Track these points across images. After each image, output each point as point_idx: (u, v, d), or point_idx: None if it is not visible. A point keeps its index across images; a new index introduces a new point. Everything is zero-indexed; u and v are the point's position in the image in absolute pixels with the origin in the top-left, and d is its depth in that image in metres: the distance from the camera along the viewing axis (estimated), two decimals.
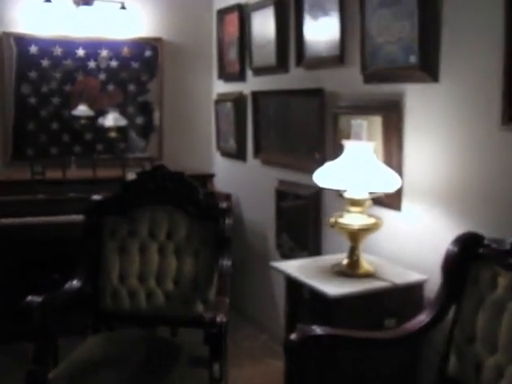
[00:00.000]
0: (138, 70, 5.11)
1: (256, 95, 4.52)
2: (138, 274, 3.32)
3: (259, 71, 4.51)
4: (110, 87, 5.04)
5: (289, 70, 4.12)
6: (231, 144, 4.93)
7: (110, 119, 4.95)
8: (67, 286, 3.10)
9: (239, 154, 4.83)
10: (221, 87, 5.19)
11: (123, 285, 3.29)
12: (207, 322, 2.64)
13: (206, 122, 5.43)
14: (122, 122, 5.04)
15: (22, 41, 4.77)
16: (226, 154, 5.15)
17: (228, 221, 3.22)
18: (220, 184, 5.08)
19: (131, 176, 4.28)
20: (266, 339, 4.50)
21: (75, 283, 3.12)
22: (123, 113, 5.12)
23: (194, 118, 5.40)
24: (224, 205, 3.27)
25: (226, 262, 3.18)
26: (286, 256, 4.23)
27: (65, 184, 4.41)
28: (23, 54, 4.77)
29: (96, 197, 3.35)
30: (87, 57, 4.96)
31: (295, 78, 4.05)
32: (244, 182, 4.83)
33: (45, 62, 4.82)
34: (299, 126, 4.02)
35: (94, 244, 3.30)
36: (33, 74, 4.80)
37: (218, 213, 3.25)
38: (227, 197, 4.56)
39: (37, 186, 4.35)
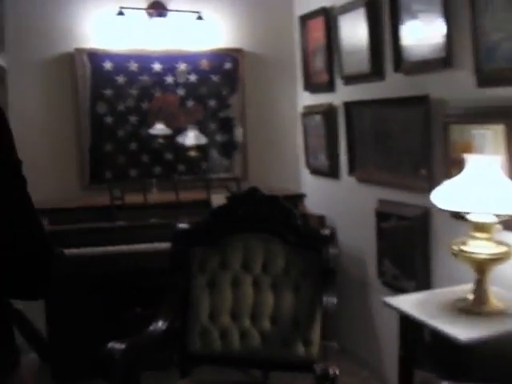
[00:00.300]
0: (218, 83, 4.79)
1: (348, 106, 4.12)
2: (230, 311, 3.00)
3: (351, 79, 4.11)
4: (190, 103, 4.73)
5: (385, 77, 3.72)
6: (322, 160, 4.53)
7: (191, 137, 4.64)
8: (152, 327, 2.77)
9: (331, 172, 4.43)
10: (307, 99, 4.81)
11: (214, 324, 2.96)
12: (319, 375, 2.26)
13: (292, 137, 5.06)
14: (203, 140, 4.74)
15: (95, 57, 4.53)
16: (316, 171, 4.76)
17: (332, 250, 2.83)
18: (311, 205, 4.68)
19: (217, 199, 3.95)
20: (366, 375, 4.09)
21: (161, 324, 2.78)
22: (203, 130, 4.80)
23: (279, 134, 5.04)
24: (327, 231, 2.89)
25: (331, 299, 2.77)
26: (390, 285, 3.83)
27: (146, 209, 4.08)
28: (97, 71, 4.53)
29: (183, 225, 3.00)
30: (164, 71, 4.67)
31: (393, 85, 3.64)
32: (337, 202, 4.43)
33: (120, 79, 4.54)
34: (401, 139, 3.60)
35: (181, 278, 2.94)
36: (108, 92, 4.53)
37: (319, 241, 2.85)
38: (321, 219, 4.17)
39: (116, 212, 4.04)
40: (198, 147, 4.78)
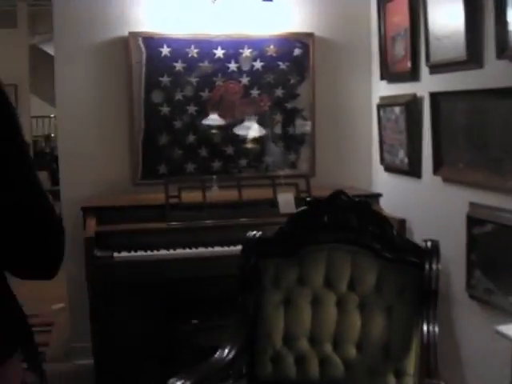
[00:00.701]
0: (286, 71, 4.34)
1: (436, 97, 3.60)
2: (308, 334, 2.56)
3: (439, 68, 3.60)
4: (254, 92, 4.26)
5: (484, 65, 3.19)
6: (400, 157, 4.03)
7: (255, 129, 4.18)
8: (218, 355, 2.31)
9: (412, 170, 3.94)
10: (384, 89, 4.32)
11: (289, 348, 2.53)
12: None
13: (365, 131, 4.58)
14: (262, 131, 4.36)
15: (151, 42, 4.11)
16: (392, 169, 4.26)
17: (435, 266, 2.31)
18: (386, 206, 4.15)
19: (284, 198, 3.50)
20: None
21: (227, 352, 2.33)
22: (268, 122, 4.37)
23: (350, 127, 4.57)
24: (429, 244, 2.36)
25: (432, 327, 2.27)
26: (479, 299, 3.37)
27: (205, 208, 3.64)
28: (154, 57, 4.11)
29: (254, 233, 2.52)
30: (227, 58, 4.23)
31: (495, 74, 3.11)
32: (418, 204, 3.93)
33: (178, 66, 4.11)
34: (502, 135, 3.07)
35: (251, 295, 2.47)
36: (165, 80, 4.10)
37: (420, 255, 2.35)
38: (401, 223, 3.66)
39: (172, 212, 3.60)
40: (258, 140, 4.32)
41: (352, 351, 2.47)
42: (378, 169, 4.55)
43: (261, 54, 4.31)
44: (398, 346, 2.41)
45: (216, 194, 3.81)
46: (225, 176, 4.06)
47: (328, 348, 2.49)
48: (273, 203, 3.84)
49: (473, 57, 3.29)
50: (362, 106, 4.59)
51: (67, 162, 4.11)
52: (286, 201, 3.88)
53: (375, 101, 4.46)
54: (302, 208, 2.51)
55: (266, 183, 3.94)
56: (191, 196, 3.75)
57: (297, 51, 4.36)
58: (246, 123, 4.35)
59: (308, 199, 2.44)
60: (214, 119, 4.24)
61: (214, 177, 3.87)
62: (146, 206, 3.72)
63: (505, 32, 3.04)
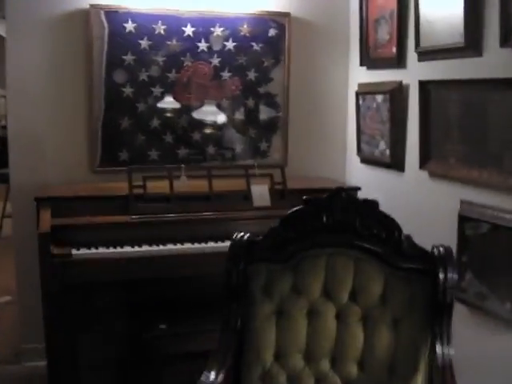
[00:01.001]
0: (260, 53, 4.02)
1: (426, 86, 3.34)
2: (303, 350, 2.25)
3: (430, 54, 3.33)
4: (225, 75, 3.90)
5: (483, 53, 2.93)
6: (381, 149, 3.77)
7: (222, 115, 3.99)
8: (204, 378, 1.95)
9: (394, 163, 3.67)
10: (364, 76, 4.04)
11: (281, 366, 2.26)
12: None
13: (340, 119, 4.31)
14: (222, 118, 4.06)
15: (115, 16, 3.73)
16: (370, 161, 3.99)
17: (451, 275, 2.02)
18: None
19: (259, 191, 3.17)
20: None
21: (214, 376, 1.97)
22: (240, 107, 4.02)
23: (326, 115, 4.30)
24: (441, 250, 2.07)
25: (446, 349, 1.99)
26: (470, 304, 3.14)
27: (172, 200, 3.26)
28: (117, 33, 3.73)
29: (241, 235, 2.18)
30: (197, 36, 3.89)
31: (497, 64, 2.86)
32: (401, 200, 3.66)
33: (144, 43, 3.73)
34: (505, 130, 2.80)
35: (239, 306, 2.14)
36: (129, 58, 3.73)
37: (432, 262, 2.06)
38: None
39: (136, 203, 3.24)
40: (227, 126, 4.06)
41: (353, 370, 2.18)
42: (354, 160, 4.27)
43: (233, 34, 3.97)
44: (405, 364, 2.13)
45: (184, 184, 3.45)
46: (194, 165, 3.69)
47: (325, 366, 2.21)
48: (246, 196, 3.51)
49: (471, 44, 3.02)
50: (339, 92, 4.30)
51: (18, 146, 3.67)
52: (261, 193, 3.56)
53: (353, 88, 4.14)
54: (298, 207, 2.16)
55: (237, 173, 3.60)
56: (157, 186, 3.39)
57: (272, 32, 4.04)
58: (209, 107, 3.97)
59: (305, 197, 2.08)
60: (168, 102, 3.87)
61: (183, 166, 3.50)
62: (107, 198, 3.34)
63: (510, 18, 2.76)
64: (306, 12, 4.14)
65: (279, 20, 4.04)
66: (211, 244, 3.23)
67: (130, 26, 3.73)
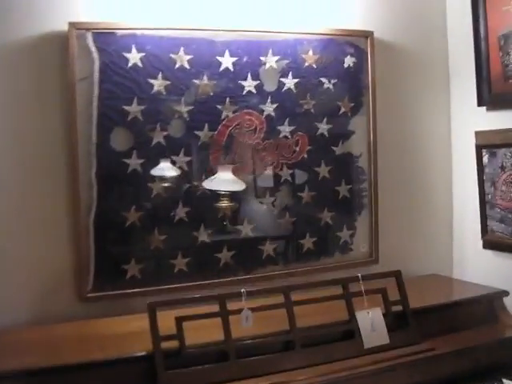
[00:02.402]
0: (334, 93, 2.51)
1: None
2: None
3: None
4: (285, 129, 2.42)
5: None
6: None
7: (279, 196, 2.47)
8: None
9: None
10: (484, 121, 2.61)
11: None
12: None
13: (445, 187, 2.76)
14: (281, 198, 2.52)
15: (110, 41, 2.22)
16: (504, 246, 2.37)
17: None
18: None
19: (368, 318, 1.83)
20: None
21: None
22: (310, 178, 2.49)
23: (427, 182, 2.71)
24: None
25: None
26: None
27: (231, 356, 1.76)
28: (114, 68, 2.23)
29: None
30: (240, 70, 2.41)
31: None
32: None
33: (158, 84, 2.26)
34: None
35: None
36: (134, 110, 2.22)
37: None
38: None
39: (168, 369, 1.66)
40: (281, 211, 2.51)
41: None
42: (469, 245, 2.73)
43: (294, 65, 2.48)
44: None
45: (248, 323, 1.76)
46: (261, 289, 2.02)
47: None
48: (349, 332, 1.88)
49: None
50: (441, 148, 2.70)
51: None
52: (373, 324, 1.97)
53: (471, 139, 2.56)
54: None
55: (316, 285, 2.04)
56: (199, 329, 1.79)
57: (348, 61, 2.53)
58: (262, 181, 2.38)
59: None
60: (161, 168, 2.26)
61: (244, 291, 1.82)
62: (112, 362, 1.66)
63: None
64: (392, 31, 2.58)
65: (358, 43, 2.51)
66: None
67: (134, 56, 2.21)
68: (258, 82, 2.40)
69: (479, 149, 2.63)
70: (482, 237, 2.67)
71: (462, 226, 2.82)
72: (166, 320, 1.77)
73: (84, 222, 2.18)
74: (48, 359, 1.72)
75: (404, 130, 2.71)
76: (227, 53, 2.35)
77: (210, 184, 2.33)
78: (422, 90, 2.75)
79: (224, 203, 2.34)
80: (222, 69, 2.34)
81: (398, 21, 2.69)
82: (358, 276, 2.08)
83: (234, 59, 2.36)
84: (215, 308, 1.85)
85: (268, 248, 2.46)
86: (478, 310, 2.27)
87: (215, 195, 2.33)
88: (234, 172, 2.37)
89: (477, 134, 2.65)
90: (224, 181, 2.34)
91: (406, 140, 2.72)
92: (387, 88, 2.63)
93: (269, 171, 2.45)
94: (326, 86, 2.51)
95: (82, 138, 2.17)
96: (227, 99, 2.34)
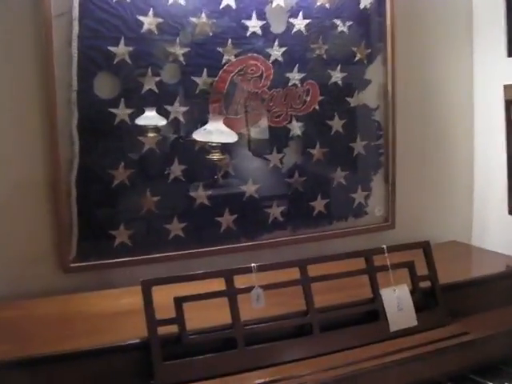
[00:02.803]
0: (349, 37, 2.18)
1: None
2: None
3: None
4: (294, 77, 2.08)
5: None
6: None
7: (288, 152, 2.11)
8: None
9: None
10: None
11: None
12: None
13: (466, 146, 2.38)
14: (290, 155, 2.19)
15: None
16: None
17: None
18: None
19: (394, 296, 1.49)
20: None
21: None
22: (321, 132, 2.10)
23: (449, 141, 2.38)
24: None
25: None
26: None
27: (240, 343, 1.46)
28: (95, 2, 1.87)
29: None
30: (243, 8, 2.06)
31: None
32: None
33: (149, 21, 1.91)
34: None
35: None
36: (121, 51, 1.88)
37: None
38: None
39: (168, 363, 1.35)
40: (290, 169, 2.17)
41: None
42: (493, 211, 2.43)
43: (304, 4, 2.11)
44: None
45: (259, 304, 1.45)
46: (277, 263, 1.68)
47: None
48: (373, 312, 1.57)
49: None
50: (462, 104, 2.36)
51: None
52: (399, 303, 1.67)
53: (497, 93, 2.25)
54: None
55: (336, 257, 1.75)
56: (202, 309, 1.48)
57: (364, 1, 2.10)
58: (268, 136, 2.09)
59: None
60: (148, 117, 1.93)
61: (254, 265, 1.51)
62: (100, 352, 1.38)
63: None
64: None
65: None
66: None
67: None
68: (264, 22, 2.05)
69: (509, 104, 2.30)
70: (510, 201, 2.35)
71: (486, 190, 2.51)
72: (163, 297, 1.45)
73: (65, 181, 1.86)
74: (23, 348, 1.40)
75: (424, 80, 2.40)
76: None
77: (200, 135, 1.99)
78: (444, 37, 2.41)
79: (215, 155, 2.00)
80: (222, 5, 1.99)
81: None
82: (383, 248, 1.77)
83: None
84: (219, 285, 1.53)
85: (275, 211, 2.14)
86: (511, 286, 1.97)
87: (206, 145, 1.99)
88: (237, 124, 2.01)
89: (506, 87, 2.32)
90: (215, 131, 2.01)
91: (427, 92, 2.42)
92: (407, 34, 2.29)
93: (276, 124, 2.09)
94: (340, 28, 2.17)
95: (60, 85, 1.82)
96: (229, 41, 2.00)
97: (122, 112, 1.89)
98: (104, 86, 1.87)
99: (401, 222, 2.35)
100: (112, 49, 1.87)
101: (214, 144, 2.04)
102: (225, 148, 2.03)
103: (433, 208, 2.46)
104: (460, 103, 2.47)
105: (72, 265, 1.89)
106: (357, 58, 2.22)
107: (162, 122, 1.96)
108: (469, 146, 2.52)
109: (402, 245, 1.82)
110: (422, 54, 2.37)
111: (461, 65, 2.46)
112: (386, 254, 1.76)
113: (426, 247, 1.85)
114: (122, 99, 1.89)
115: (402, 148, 2.33)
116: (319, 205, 2.21)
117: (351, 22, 2.19)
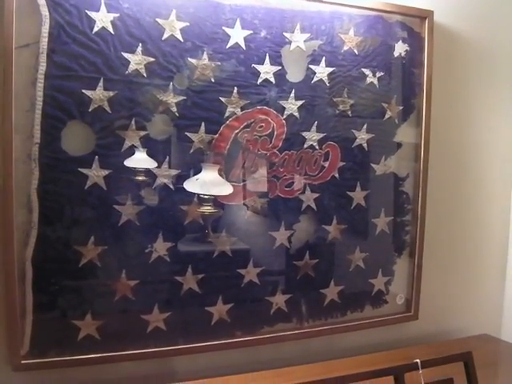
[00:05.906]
0: (380, 91, 1.64)
1: None
2: None
3: None
4: (311, 137, 1.60)
5: None
6: None
7: (299, 229, 1.64)
8: None
9: None
10: None
11: None
12: None
13: (501, 227, 1.88)
14: (300, 232, 1.70)
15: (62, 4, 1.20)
16: None
17: None
18: None
19: None
20: None
21: None
22: (341, 205, 1.56)
23: (486, 221, 1.88)
24: None
25: None
26: None
27: None
28: (70, 32, 1.40)
29: None
30: (254, 49, 1.47)
31: None
32: None
33: (135, 60, 1.34)
34: None
35: None
36: (98, 96, 1.40)
37: None
38: None
39: None
40: (300, 250, 1.65)
41: None
42: None
43: (329, 48, 1.63)
44: None
45: None
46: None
47: None
48: None
49: None
50: (503, 176, 1.94)
51: None
52: None
53: None
54: None
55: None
56: None
57: (399, 48, 1.65)
58: (275, 207, 1.55)
59: None
60: (137, 159, 1.40)
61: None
62: None
63: None
64: (458, 14, 1.82)
65: (412, 25, 1.67)
66: None
67: (103, 17, 1.38)
68: (279, 67, 1.57)
69: None
70: None
71: None
72: None
73: (19, 259, 1.34)
74: None
75: (462, 145, 1.93)
76: (238, 23, 1.51)
77: (192, 186, 1.50)
78: (487, 95, 1.94)
79: (207, 209, 1.51)
80: (230, 44, 1.51)
81: (464, 1, 1.85)
82: (416, 362, 1.28)
83: (248, 33, 1.52)
84: None
85: (278, 300, 1.65)
86: None
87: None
88: (239, 193, 1.52)
89: None
90: (209, 182, 1.52)
91: (464, 160, 1.95)
92: (444, 88, 1.82)
93: (287, 194, 1.60)
94: (369, 80, 1.70)
95: (18, 135, 1.33)
96: (235, 89, 1.52)
97: (95, 173, 1.40)
98: (74, 140, 1.39)
99: (424, 312, 1.89)
100: (87, 93, 1.38)
101: (206, 197, 1.55)
102: (228, 230, 1.54)
103: (460, 295, 2.00)
104: (500, 176, 1.99)
105: (24, 361, 1.40)
106: (387, 117, 1.75)
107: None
108: (504, 227, 2.04)
109: (439, 358, 1.35)
110: (461, 112, 1.90)
111: (504, 128, 1.98)
112: (421, 371, 1.28)
113: (468, 360, 1.37)
114: (96, 157, 1.40)
115: (432, 225, 1.84)
116: (332, 292, 1.73)
117: (382, 73, 1.72)
